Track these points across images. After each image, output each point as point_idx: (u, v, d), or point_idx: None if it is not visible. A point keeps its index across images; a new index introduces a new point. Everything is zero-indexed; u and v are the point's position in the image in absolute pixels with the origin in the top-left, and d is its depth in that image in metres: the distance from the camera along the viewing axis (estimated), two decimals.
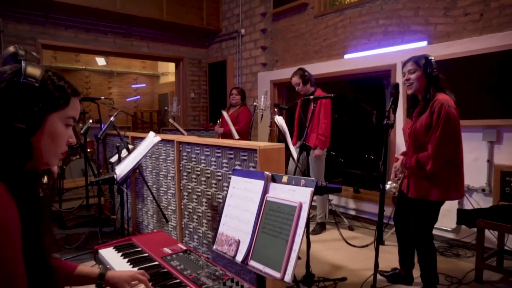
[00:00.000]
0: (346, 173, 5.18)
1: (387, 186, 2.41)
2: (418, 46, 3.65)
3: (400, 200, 2.53)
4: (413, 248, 2.55)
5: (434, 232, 3.45)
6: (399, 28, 3.90)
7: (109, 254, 1.42)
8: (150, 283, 1.17)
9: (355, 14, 4.34)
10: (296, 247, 1.15)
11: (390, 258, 2.93)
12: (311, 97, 2.56)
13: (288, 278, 1.13)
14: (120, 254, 1.42)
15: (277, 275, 1.15)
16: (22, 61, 0.88)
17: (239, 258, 1.31)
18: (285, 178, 1.28)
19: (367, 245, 3.37)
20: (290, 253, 1.15)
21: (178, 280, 1.19)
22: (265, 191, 1.32)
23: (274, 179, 1.32)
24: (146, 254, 1.39)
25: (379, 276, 2.62)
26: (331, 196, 4.24)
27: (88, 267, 1.18)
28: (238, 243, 1.34)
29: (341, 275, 2.72)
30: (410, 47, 3.71)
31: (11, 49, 1.85)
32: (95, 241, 3.49)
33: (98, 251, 1.44)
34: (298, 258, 3.18)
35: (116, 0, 5.10)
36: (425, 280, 2.38)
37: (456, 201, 3.26)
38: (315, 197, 3.99)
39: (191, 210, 2.69)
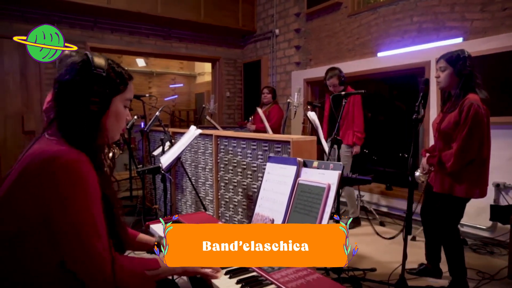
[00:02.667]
0: (379, 171, 5.19)
1: (416, 173, 2.48)
2: (454, 42, 3.63)
3: (427, 193, 2.58)
4: (440, 242, 2.59)
5: (468, 230, 3.45)
6: (434, 25, 3.89)
7: (159, 228, 1.63)
8: None
9: (388, 12, 4.36)
10: (324, 223, 1.28)
11: (420, 252, 2.95)
12: (342, 93, 2.67)
13: None
14: None
15: None
16: (87, 54, 1.06)
17: None
18: (315, 163, 1.42)
19: (394, 237, 3.42)
20: None
21: None
22: (297, 175, 1.46)
23: (305, 164, 1.46)
24: None
25: (407, 272, 2.67)
26: (362, 193, 4.30)
27: (146, 235, 1.40)
28: (272, 221, 1.49)
29: (370, 267, 2.80)
30: (445, 43, 3.70)
31: (66, 52, 2.26)
32: (139, 228, 3.77)
33: (150, 226, 1.65)
34: None
35: (157, 4, 5.42)
36: (453, 274, 2.42)
37: (492, 199, 3.23)
38: (343, 194, 4.08)
39: (227, 200, 2.87)
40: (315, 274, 1.10)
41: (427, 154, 2.47)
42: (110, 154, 1.17)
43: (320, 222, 1.29)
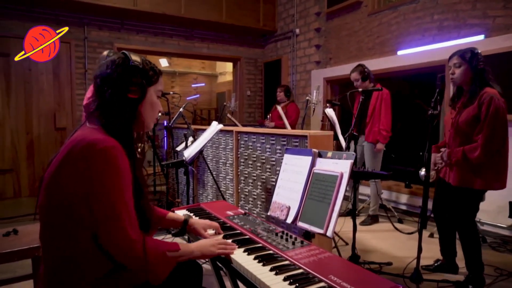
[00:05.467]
0: (397, 170, 5.17)
1: (421, 173, 2.51)
2: (475, 40, 3.61)
3: (439, 188, 2.60)
4: (454, 237, 2.61)
5: (488, 228, 3.43)
6: (455, 23, 3.87)
7: (182, 213, 1.75)
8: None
9: (409, 10, 4.36)
10: (337, 208, 1.37)
11: (437, 249, 2.97)
12: (360, 89, 2.72)
13: (329, 233, 1.36)
14: (192, 214, 1.74)
15: (321, 231, 1.39)
16: (125, 52, 1.22)
17: (289, 220, 1.56)
18: (329, 154, 1.51)
19: (412, 232, 3.44)
20: (332, 213, 1.38)
21: (239, 231, 1.47)
22: (313, 164, 1.55)
23: (320, 155, 1.55)
24: (213, 215, 1.70)
25: (423, 269, 2.70)
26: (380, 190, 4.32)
27: (176, 214, 1.54)
28: (288, 208, 1.59)
29: (386, 261, 2.85)
30: (466, 41, 3.68)
31: (105, 53, 2.50)
32: None
33: (175, 211, 1.78)
34: (345, 243, 3.33)
35: (180, 6, 5.59)
36: (470, 268, 2.44)
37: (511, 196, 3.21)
38: (369, 191, 4.11)
39: (247, 193, 2.99)
40: (326, 253, 1.19)
41: (442, 149, 2.50)
42: (140, 148, 1.32)
43: (333, 207, 1.38)
